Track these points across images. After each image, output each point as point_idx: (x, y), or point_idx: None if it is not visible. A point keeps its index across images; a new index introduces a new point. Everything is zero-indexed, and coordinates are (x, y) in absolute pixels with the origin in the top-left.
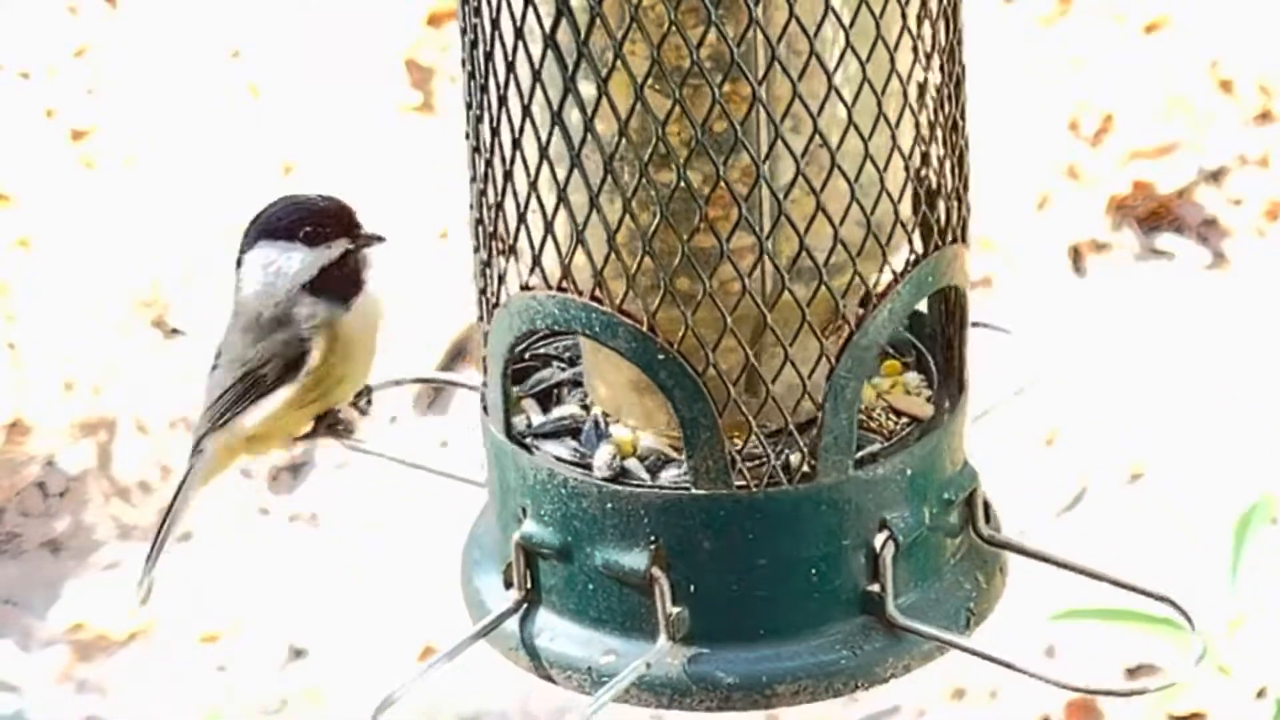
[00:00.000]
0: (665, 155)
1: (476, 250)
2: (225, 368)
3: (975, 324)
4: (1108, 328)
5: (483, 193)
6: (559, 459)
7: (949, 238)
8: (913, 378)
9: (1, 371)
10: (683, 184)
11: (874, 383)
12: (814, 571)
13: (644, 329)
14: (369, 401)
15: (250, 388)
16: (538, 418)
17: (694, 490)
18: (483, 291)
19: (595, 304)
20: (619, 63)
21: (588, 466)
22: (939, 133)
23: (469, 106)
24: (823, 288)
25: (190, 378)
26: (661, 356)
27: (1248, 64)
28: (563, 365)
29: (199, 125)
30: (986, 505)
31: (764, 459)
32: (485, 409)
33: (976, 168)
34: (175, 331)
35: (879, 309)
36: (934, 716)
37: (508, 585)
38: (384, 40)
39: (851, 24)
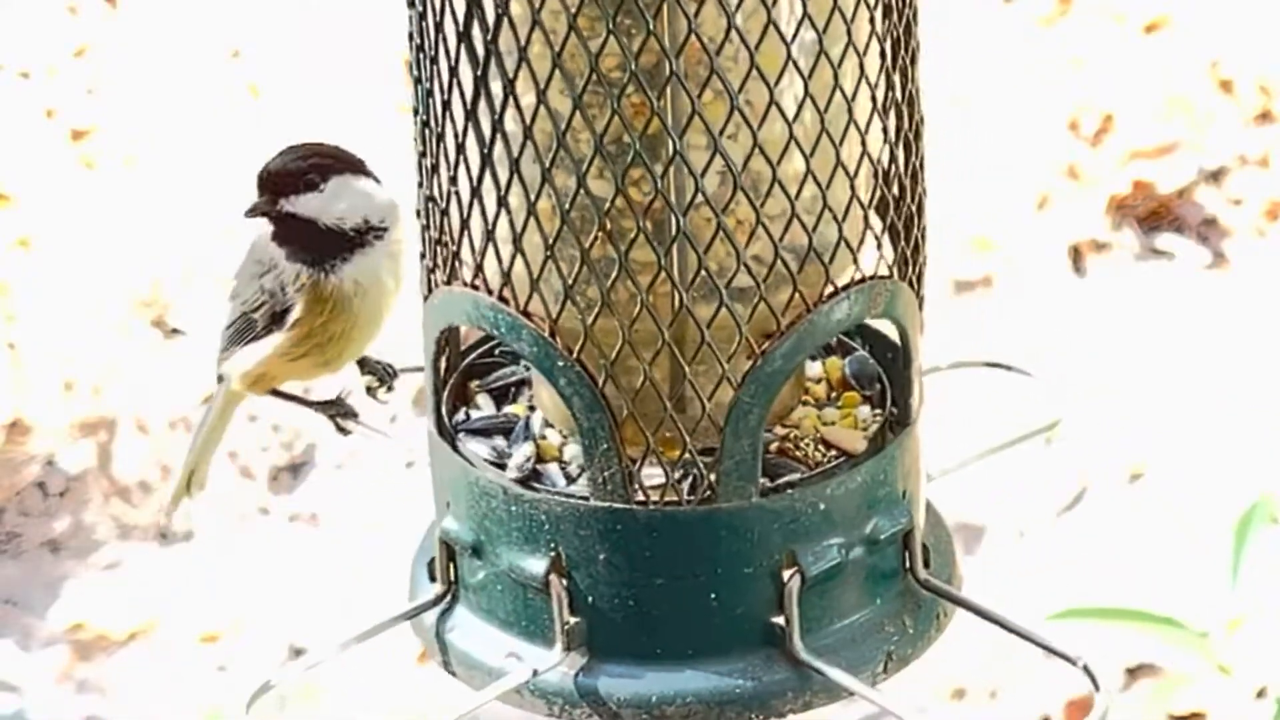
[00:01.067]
0: (566, 161)
1: (421, 244)
2: (233, 299)
3: (995, 364)
4: (1108, 328)
5: (419, 185)
6: (479, 457)
7: (880, 274)
8: (865, 412)
9: (1, 371)
10: (583, 192)
11: (820, 413)
12: (714, 596)
13: (546, 334)
14: (389, 389)
15: (245, 328)
16: (484, 413)
17: (591, 501)
18: (424, 284)
19: (502, 304)
20: (524, 65)
21: (503, 466)
22: (870, 165)
23: (415, 111)
24: (724, 310)
25: (190, 378)
26: (561, 363)
27: (1248, 64)
28: (527, 365)
29: (199, 125)
30: (926, 549)
31: (665, 476)
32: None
33: (977, 168)
34: (175, 331)
35: (785, 338)
36: (934, 716)
37: (432, 578)
38: (384, 40)
39: (758, 45)
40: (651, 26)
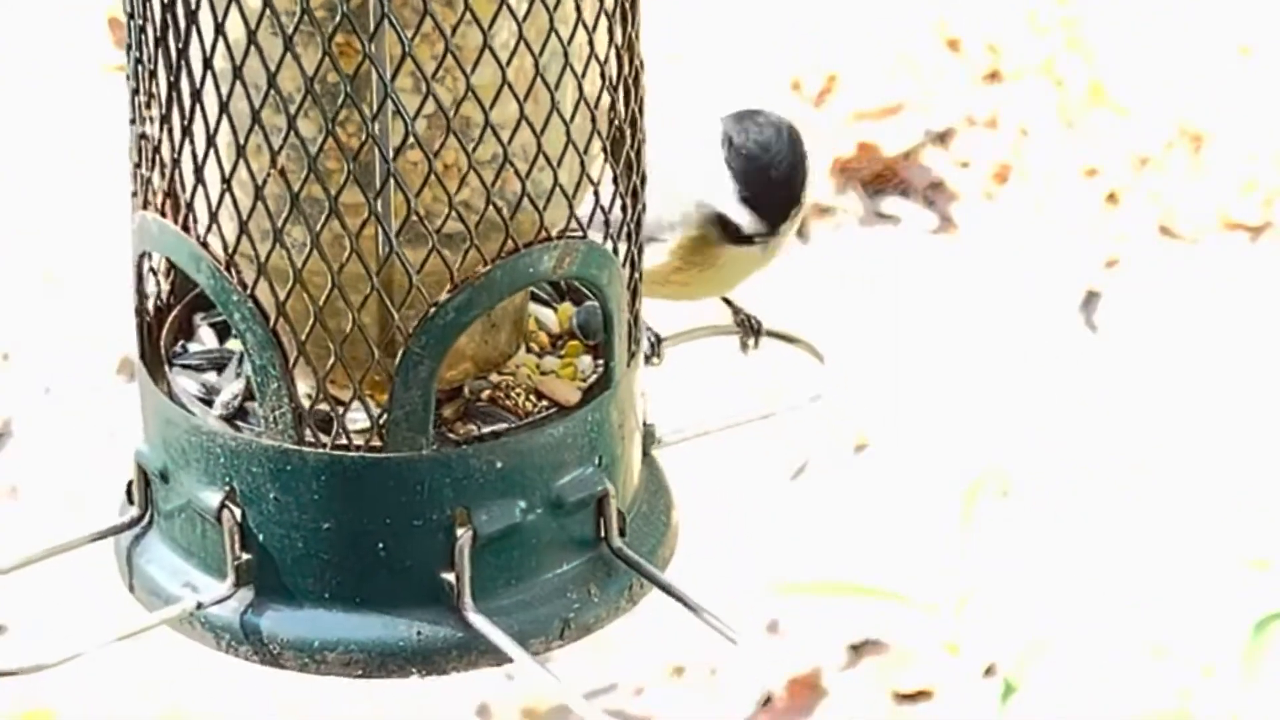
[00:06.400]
0: (275, 101)
1: (132, 179)
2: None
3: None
4: (832, 294)
5: (131, 122)
6: (182, 390)
7: (574, 233)
8: (587, 362)
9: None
10: (292, 132)
11: (541, 361)
12: (381, 546)
13: (222, 267)
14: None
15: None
16: (204, 347)
17: (263, 439)
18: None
19: (184, 233)
20: (234, 4)
21: (210, 402)
22: (589, 112)
23: (127, 47)
24: (435, 255)
25: None
26: (236, 298)
27: (975, 22)
28: None
29: None
30: (623, 517)
31: (333, 420)
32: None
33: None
34: None
35: (460, 291)
36: (652, 692)
37: (130, 501)
38: None
39: None
40: None
